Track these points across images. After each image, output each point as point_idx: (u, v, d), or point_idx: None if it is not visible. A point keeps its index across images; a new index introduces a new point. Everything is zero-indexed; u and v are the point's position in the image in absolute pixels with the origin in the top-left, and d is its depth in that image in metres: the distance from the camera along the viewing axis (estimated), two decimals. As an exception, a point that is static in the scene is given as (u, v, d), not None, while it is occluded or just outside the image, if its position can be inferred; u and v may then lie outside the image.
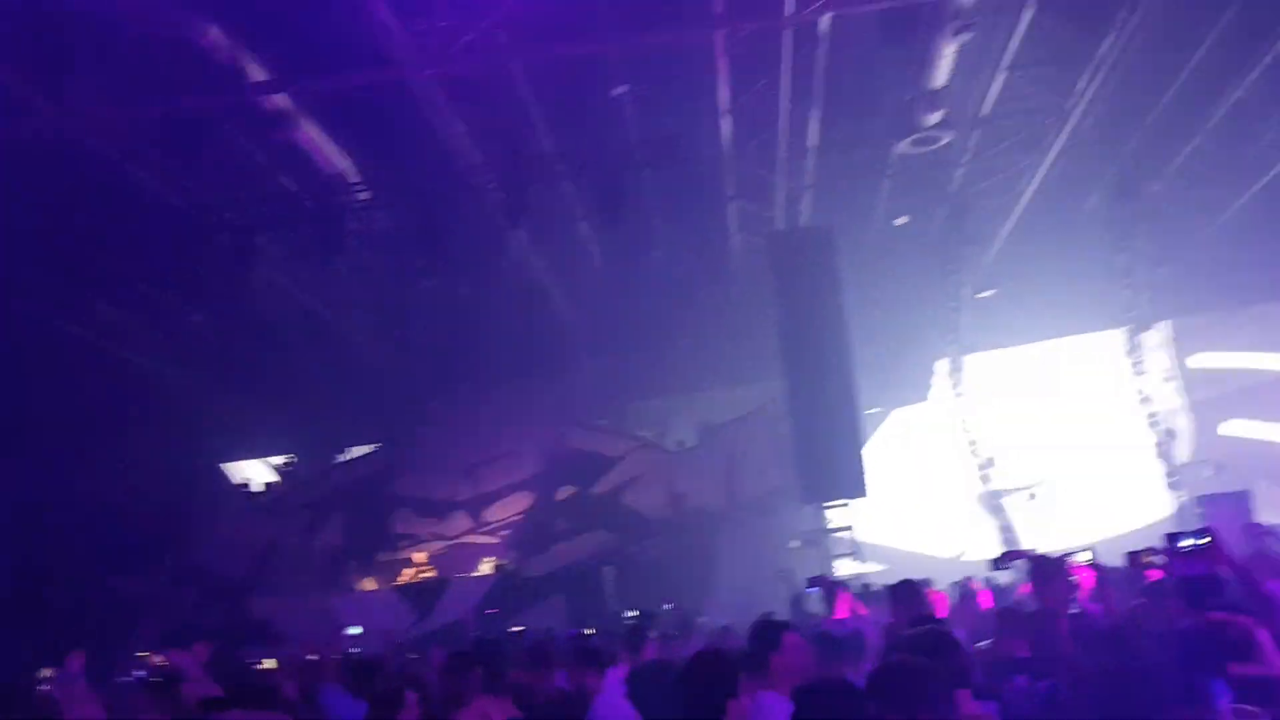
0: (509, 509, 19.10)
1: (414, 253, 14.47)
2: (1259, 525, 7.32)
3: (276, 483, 20.46)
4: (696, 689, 3.83)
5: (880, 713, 2.74)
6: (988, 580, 11.02)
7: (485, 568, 17.77)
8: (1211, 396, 18.87)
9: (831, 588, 8.57)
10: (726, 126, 12.98)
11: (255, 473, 20.79)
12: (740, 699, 3.88)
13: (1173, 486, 17.81)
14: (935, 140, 13.32)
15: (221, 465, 20.40)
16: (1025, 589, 8.03)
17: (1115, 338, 18.43)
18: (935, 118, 12.71)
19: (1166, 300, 17.89)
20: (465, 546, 18.66)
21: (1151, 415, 18.29)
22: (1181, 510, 17.15)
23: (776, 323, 15.24)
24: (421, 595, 16.75)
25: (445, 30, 10.71)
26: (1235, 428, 18.66)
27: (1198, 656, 1.76)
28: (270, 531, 18.82)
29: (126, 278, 14.37)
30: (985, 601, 9.90)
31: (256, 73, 11.04)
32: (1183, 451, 18.23)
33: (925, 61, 11.81)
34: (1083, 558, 5.99)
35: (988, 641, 6.12)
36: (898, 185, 15.28)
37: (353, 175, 13.36)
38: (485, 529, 18.90)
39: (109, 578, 17.00)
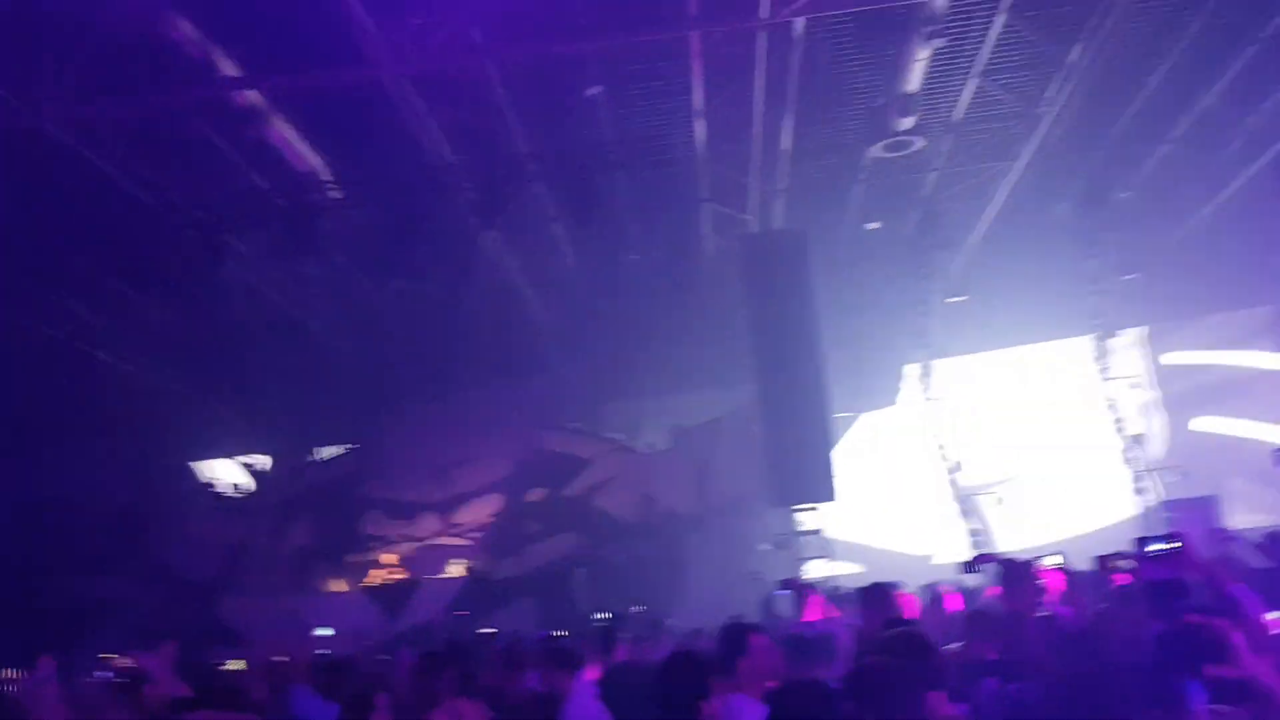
0: (480, 511, 19.05)
1: (386, 252, 14.38)
2: (1224, 530, 7.40)
3: (246, 483, 20.29)
4: (670, 690, 3.82)
5: (855, 714, 2.75)
6: (957, 583, 11.10)
7: (455, 569, 17.72)
8: (1182, 392, 19.13)
9: (802, 590, 8.59)
10: (701, 128, 12.99)
11: (225, 473, 20.62)
12: (712, 701, 3.87)
13: (1139, 491, 18.00)
14: (908, 145, 13.40)
15: (190, 465, 20.22)
16: (993, 592, 8.09)
17: (1084, 343, 18.61)
18: (908, 123, 12.79)
19: (1134, 307, 18.08)
20: (435, 548, 18.59)
21: (1118, 420, 18.47)
22: (1148, 514, 17.34)
23: (748, 326, 15.27)
24: (391, 597, 16.69)
25: (419, 28, 10.66)
26: (1206, 424, 18.91)
27: (1173, 658, 1.77)
28: (239, 532, 18.68)
29: (95, 275, 14.21)
30: (954, 604, 9.95)
31: (228, 68, 10.95)
32: (1150, 455, 18.43)
33: (898, 66, 11.88)
34: (1052, 561, 6.04)
35: (958, 644, 6.16)
36: (870, 190, 15.34)
37: (325, 173, 13.28)
38: (456, 531, 18.83)
39: (74, 578, 16.80)
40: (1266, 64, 12.65)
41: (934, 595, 10.39)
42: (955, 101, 13.30)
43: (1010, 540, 17.81)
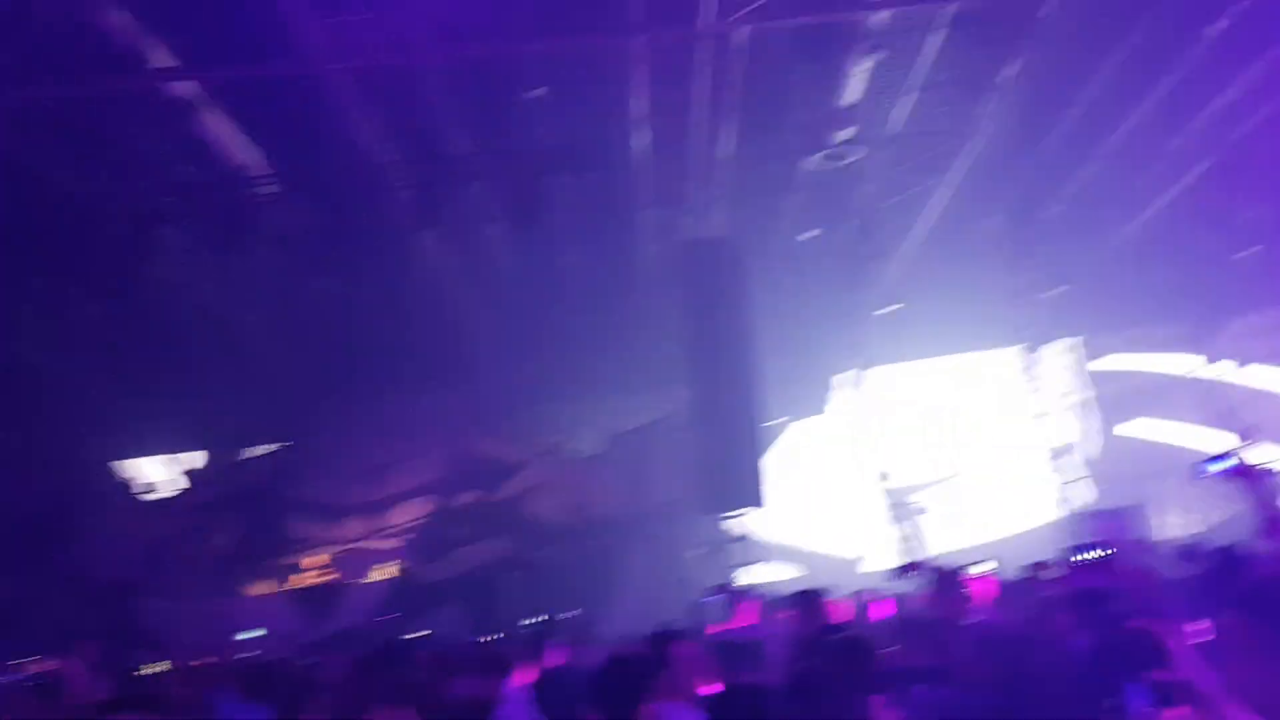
0: (408, 513, 18.83)
1: (320, 250, 14.17)
2: (1145, 541, 7.61)
3: (169, 481, 19.83)
4: (606, 695, 3.81)
5: (797, 718, 2.77)
6: (886, 590, 11.24)
7: (382, 573, 17.49)
8: (1112, 396, 19.64)
9: (734, 596, 8.64)
10: (641, 134, 13.02)
11: (147, 471, 20.13)
12: (643, 710, 3.87)
13: (1064, 501, 18.41)
14: (845, 156, 13.60)
15: (113, 463, 19.70)
16: (923, 599, 8.20)
17: (1012, 355, 18.99)
18: (846, 134, 12.99)
19: (1061, 319, 18.50)
20: (362, 551, 18.33)
21: (1045, 430, 18.89)
22: (1073, 523, 17.76)
23: (682, 332, 15.31)
24: (317, 600, 16.41)
25: (359, 25, 10.54)
26: (1134, 428, 19.45)
27: (1114, 662, 1.82)
28: (160, 532, 18.22)
29: (17, 267, 13.78)
30: (883, 611, 10.07)
31: (162, 59, 10.71)
32: (1075, 463, 18.88)
33: (838, 79, 12.06)
34: (983, 568, 6.16)
35: (887, 650, 6.23)
36: (807, 199, 15.50)
37: (258, 168, 13.05)
38: (384, 533, 18.59)
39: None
40: (1189, 89, 13.04)
41: (863, 602, 10.52)
42: (892, 115, 13.51)
43: (938, 547, 18.11)
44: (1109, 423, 19.74)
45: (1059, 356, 19.48)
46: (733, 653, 5.69)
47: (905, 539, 18.28)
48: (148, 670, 7.89)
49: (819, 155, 13.55)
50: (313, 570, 17.58)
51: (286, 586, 17.31)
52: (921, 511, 19.08)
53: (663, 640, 4.77)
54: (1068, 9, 11.16)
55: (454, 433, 19.03)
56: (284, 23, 10.08)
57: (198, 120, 11.76)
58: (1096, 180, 15.56)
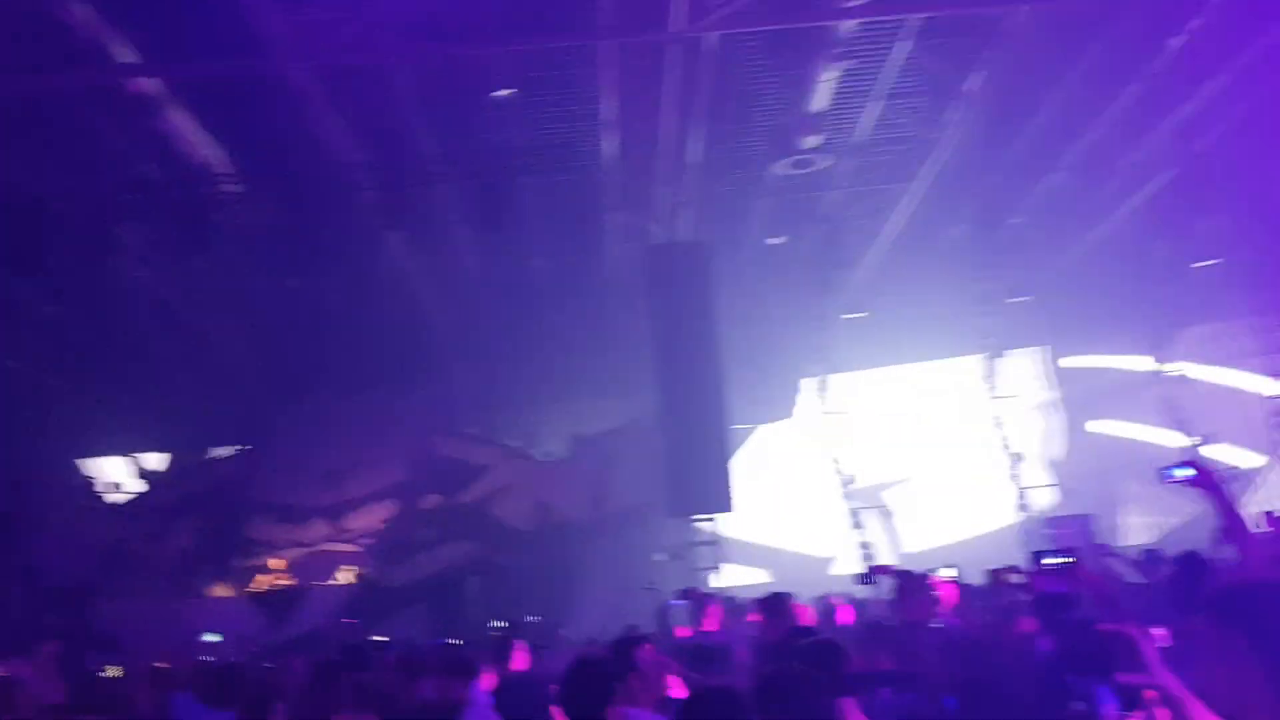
0: (371, 517, 18.69)
1: (283, 250, 14.04)
2: (1104, 546, 7.70)
3: (128, 483, 19.56)
4: (573, 700, 3.79)
5: (767, 720, 2.77)
6: (849, 595, 11.29)
7: (345, 576, 17.33)
8: (1079, 396, 19.90)
9: (701, 600, 8.64)
10: (609, 137, 13.01)
11: (107, 472, 19.85)
12: (608, 714, 3.86)
13: (1022, 508, 18.60)
14: (812, 163, 13.66)
15: (73, 463, 19.41)
16: (887, 604, 8.23)
17: (975, 363, 19.16)
18: (813, 141, 13.04)
19: (1023, 329, 18.69)
20: (324, 554, 18.16)
21: (1005, 439, 19.06)
22: (1029, 530, 17.95)
23: (649, 336, 15.31)
24: (277, 603, 16.23)
25: (326, 23, 10.44)
26: (1100, 427, 19.70)
27: (1081, 665, 1.83)
28: (118, 533, 17.96)
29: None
30: (847, 616, 10.11)
31: (124, 54, 10.56)
32: (1038, 469, 19.12)
33: (805, 86, 12.10)
34: (946, 574, 6.19)
35: (853, 654, 6.24)
36: (774, 205, 15.56)
37: (222, 166, 12.90)
38: (346, 536, 18.44)
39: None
40: (1150, 101, 13.20)
41: (826, 606, 10.56)
42: (858, 123, 13.59)
43: (901, 552, 18.25)
44: (1071, 424, 20.01)
45: (1021, 364, 19.69)
46: (700, 656, 5.69)
47: (870, 544, 18.39)
48: (108, 673, 7.75)
49: (787, 161, 13.60)
50: (274, 573, 17.39)
51: (247, 589, 17.11)
52: (886, 516, 19.23)
53: (629, 644, 4.76)
54: (1032, 20, 11.27)
55: (419, 435, 18.92)
56: (249, 19, 9.98)
57: (160, 117, 11.61)
58: (1060, 190, 15.73)
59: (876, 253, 17.18)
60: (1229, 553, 6.09)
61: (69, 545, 17.73)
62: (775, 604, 6.21)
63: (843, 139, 13.84)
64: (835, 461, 19.05)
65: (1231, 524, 4.24)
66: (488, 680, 6.30)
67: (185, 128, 11.97)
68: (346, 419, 18.48)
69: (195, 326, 17.17)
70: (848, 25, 10.97)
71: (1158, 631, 2.15)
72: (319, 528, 18.44)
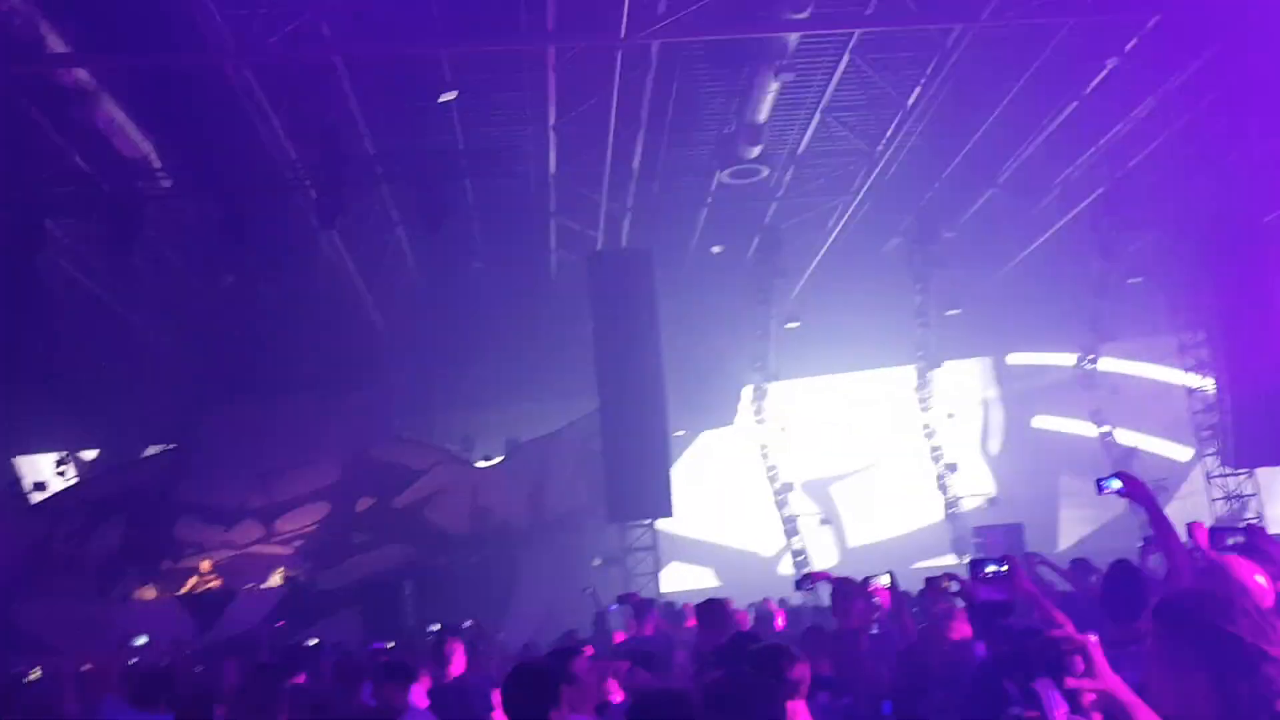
0: (304, 518, 18.36)
1: (217, 247, 13.81)
2: (1036, 555, 7.86)
3: (52, 481, 19.04)
4: (514, 706, 3.77)
5: (716, 724, 2.79)
6: (782, 601, 11.40)
7: (276, 579, 17.03)
8: (1020, 394, 20.35)
9: (639, 605, 8.66)
10: (553, 143, 13.01)
11: (31, 469, 19.32)
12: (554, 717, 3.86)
13: (950, 518, 18.94)
14: (753, 173, 13.80)
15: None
16: (822, 609, 8.33)
17: (908, 373, 19.46)
18: (754, 151, 13.17)
19: (955, 341, 19.04)
20: (255, 556, 17.80)
21: (935, 449, 19.39)
22: (958, 539, 18.28)
23: (591, 341, 15.33)
24: (206, 606, 15.88)
25: (266, 18, 10.31)
26: (1042, 423, 20.15)
27: (1022, 671, 1.88)
28: (39, 533, 17.45)
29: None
30: (782, 621, 10.19)
31: (56, 44, 10.30)
32: (969, 477, 19.50)
33: (748, 97, 12.23)
34: (881, 581, 6.28)
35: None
36: (716, 214, 15.70)
37: (155, 161, 12.64)
38: (278, 539, 18.10)
39: None
40: (1083, 122, 13.54)
41: (761, 612, 10.63)
42: (800, 134, 13.76)
43: (836, 558, 18.46)
44: (1008, 422, 20.47)
45: (959, 367, 20.04)
46: (640, 661, 5.71)
47: (804, 550, 18.59)
48: (26, 677, 7.54)
49: (727, 171, 13.72)
50: (203, 575, 17.04)
51: (175, 591, 16.73)
52: (821, 523, 19.44)
53: (569, 650, 4.76)
54: (971, 38, 11.50)
55: (354, 437, 18.67)
56: (187, 11, 9.81)
57: (92, 110, 11.34)
58: (992, 206, 16.05)
59: (815, 263, 17.38)
60: (1156, 561, 6.27)
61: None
62: (713, 609, 6.24)
63: (784, 150, 14.02)
64: (771, 470, 19.24)
65: (1161, 533, 4.36)
66: (425, 683, 6.25)
67: (118, 120, 11.71)
68: (280, 419, 18.17)
69: (126, 322, 16.81)
70: (791, 38, 11.10)
71: (1091, 639, 2.22)
72: (250, 529, 18.08)
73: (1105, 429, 18.57)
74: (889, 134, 13.59)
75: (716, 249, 16.87)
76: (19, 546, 16.98)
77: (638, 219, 15.25)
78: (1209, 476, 16.97)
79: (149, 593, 16.87)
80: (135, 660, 9.14)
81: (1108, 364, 18.71)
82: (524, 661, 4.67)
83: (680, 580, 17.80)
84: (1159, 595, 2.94)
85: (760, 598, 11.27)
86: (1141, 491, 4.42)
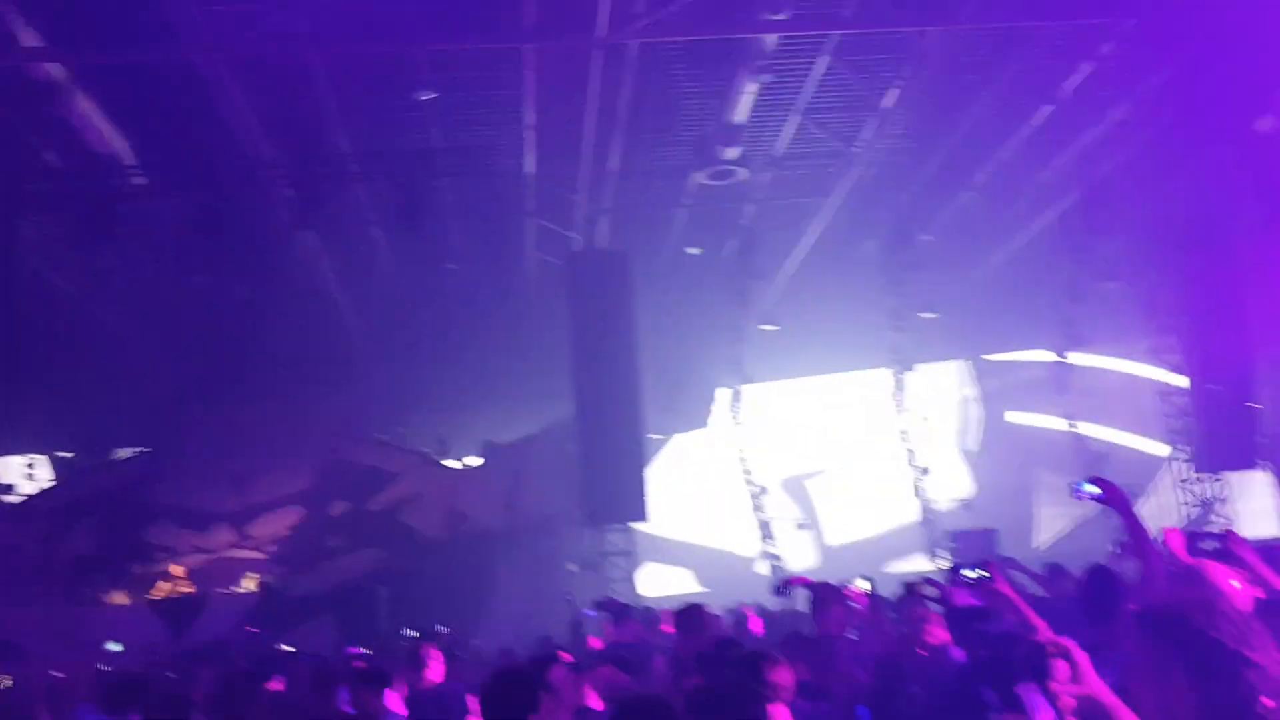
0: (277, 523, 18.21)
1: (190, 246, 13.66)
2: (1010, 559, 7.89)
3: (21, 484, 18.79)
4: (492, 712, 3.73)
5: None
6: (761, 605, 11.37)
7: (249, 584, 16.89)
8: (998, 389, 20.45)
9: (616, 610, 8.62)
10: (530, 142, 12.95)
11: (1, 472, 19.06)
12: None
13: (926, 522, 18.98)
14: (731, 175, 13.77)
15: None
16: (799, 614, 8.30)
17: (883, 376, 19.51)
18: (732, 153, 13.15)
19: (930, 344, 19.09)
20: (228, 561, 17.65)
21: (910, 452, 19.42)
22: (933, 543, 18.33)
23: (567, 343, 15.27)
24: (178, 611, 15.73)
25: (242, 14, 10.21)
26: (1018, 418, 20.26)
27: (1002, 676, 1.87)
28: (8, 537, 17.22)
29: None
30: (757, 626, 10.17)
31: (27, 37, 10.17)
32: (945, 481, 19.57)
33: (727, 97, 12.21)
34: (860, 586, 6.27)
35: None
36: (693, 215, 15.67)
37: (128, 157, 12.50)
38: (251, 543, 17.95)
39: None
40: (1059, 124, 13.61)
41: (738, 617, 10.61)
42: (778, 136, 13.76)
43: (813, 563, 18.48)
44: (980, 420, 20.59)
45: (928, 378, 20.11)
46: (622, 667, 5.67)
47: (780, 555, 18.58)
48: (3, 685, 7.41)
49: (705, 172, 13.70)
50: (175, 580, 16.86)
51: (147, 596, 16.55)
52: (797, 527, 19.44)
53: (547, 656, 4.72)
54: (947, 42, 11.54)
55: (328, 440, 18.53)
56: (162, 5, 9.70)
57: (64, 104, 11.20)
58: (968, 210, 16.11)
59: (792, 265, 17.39)
60: (1130, 566, 6.29)
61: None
62: (691, 615, 6.21)
63: (762, 151, 14.00)
64: (747, 473, 19.22)
65: (1136, 538, 4.36)
66: (403, 690, 6.20)
67: (90, 115, 11.57)
68: (253, 422, 17.99)
69: (97, 322, 16.60)
70: (769, 39, 11.09)
71: (1073, 643, 2.20)
72: (223, 534, 17.91)
73: (1076, 426, 18.72)
74: (865, 136, 13.61)
75: (694, 250, 16.84)
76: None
77: (615, 220, 15.21)
78: (1179, 483, 17.13)
79: (120, 597, 16.69)
80: (105, 667, 9.01)
81: (1081, 358, 18.85)
82: (502, 668, 4.62)
83: (656, 584, 17.77)
84: (1134, 600, 2.94)
85: (735, 602, 11.27)
86: (1117, 496, 4.42)
